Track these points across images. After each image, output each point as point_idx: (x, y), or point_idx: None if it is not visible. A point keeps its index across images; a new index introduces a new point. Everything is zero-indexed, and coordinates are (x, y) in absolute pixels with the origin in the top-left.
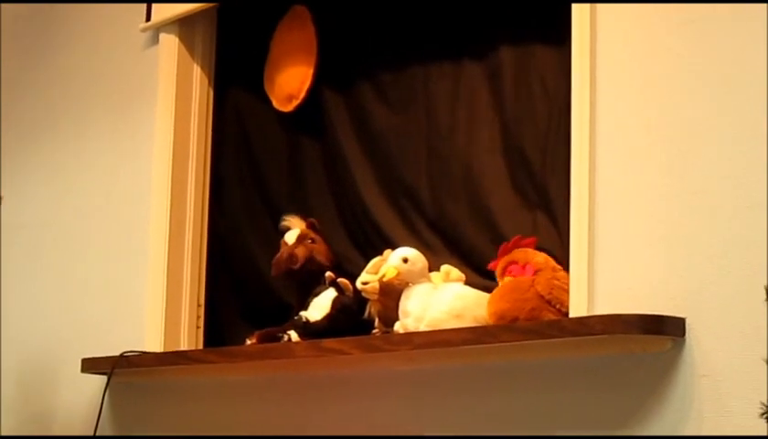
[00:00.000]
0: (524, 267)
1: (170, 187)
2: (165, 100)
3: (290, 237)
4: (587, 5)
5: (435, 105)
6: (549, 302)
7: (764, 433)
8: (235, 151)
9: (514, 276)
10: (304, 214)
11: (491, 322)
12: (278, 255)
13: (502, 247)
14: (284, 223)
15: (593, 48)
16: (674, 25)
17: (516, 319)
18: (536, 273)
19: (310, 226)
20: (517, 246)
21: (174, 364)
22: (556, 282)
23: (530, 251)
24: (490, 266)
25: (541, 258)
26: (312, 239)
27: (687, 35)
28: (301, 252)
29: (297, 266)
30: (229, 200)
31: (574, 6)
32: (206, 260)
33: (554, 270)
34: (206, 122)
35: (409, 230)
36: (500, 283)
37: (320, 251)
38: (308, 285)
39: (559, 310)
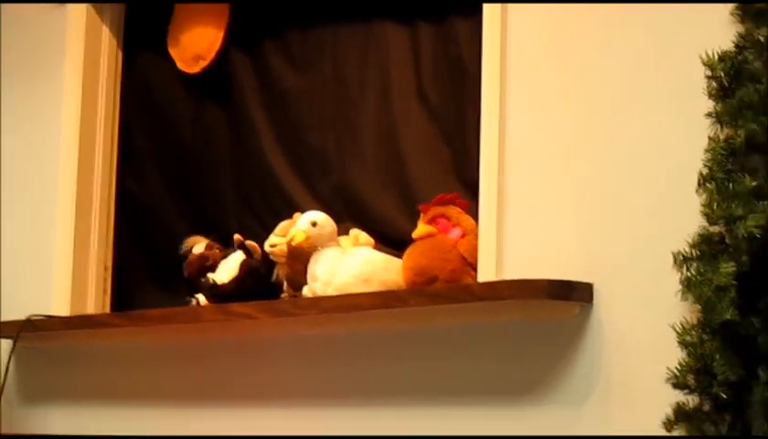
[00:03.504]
0: (453, 226)
1: (78, 150)
2: (74, 62)
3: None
4: None
5: (344, 67)
6: (471, 265)
7: (670, 399)
8: (143, 113)
9: (439, 230)
10: (210, 175)
11: (406, 277)
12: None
13: (438, 197)
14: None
15: (505, 17)
16: None
17: (435, 278)
18: (463, 236)
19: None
20: (453, 202)
21: (80, 328)
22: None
23: (464, 213)
24: (421, 206)
25: (471, 223)
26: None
27: (600, 6)
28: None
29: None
30: (140, 163)
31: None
32: (113, 223)
33: (477, 236)
34: (114, 83)
35: (313, 195)
36: (420, 230)
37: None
38: None
39: None
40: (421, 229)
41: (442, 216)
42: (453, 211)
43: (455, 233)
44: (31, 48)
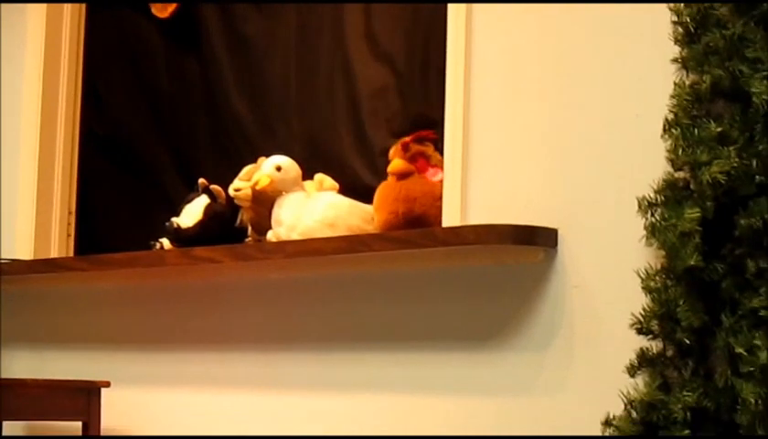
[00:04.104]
0: (432, 166)
1: (41, 94)
2: (36, 6)
3: None
4: None
5: (307, 12)
6: None
7: (633, 345)
8: (110, 58)
9: (418, 169)
10: (178, 119)
11: (390, 221)
12: None
13: (418, 133)
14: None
15: None
16: None
17: (428, 225)
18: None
19: None
20: (429, 138)
21: (44, 272)
22: None
23: (436, 152)
24: (401, 142)
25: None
26: None
27: None
28: None
29: None
30: (106, 107)
31: None
32: (77, 169)
33: None
34: (78, 28)
35: (274, 139)
36: (399, 166)
37: None
38: None
39: None
40: (400, 164)
41: (422, 155)
42: (430, 149)
43: (432, 173)
44: None
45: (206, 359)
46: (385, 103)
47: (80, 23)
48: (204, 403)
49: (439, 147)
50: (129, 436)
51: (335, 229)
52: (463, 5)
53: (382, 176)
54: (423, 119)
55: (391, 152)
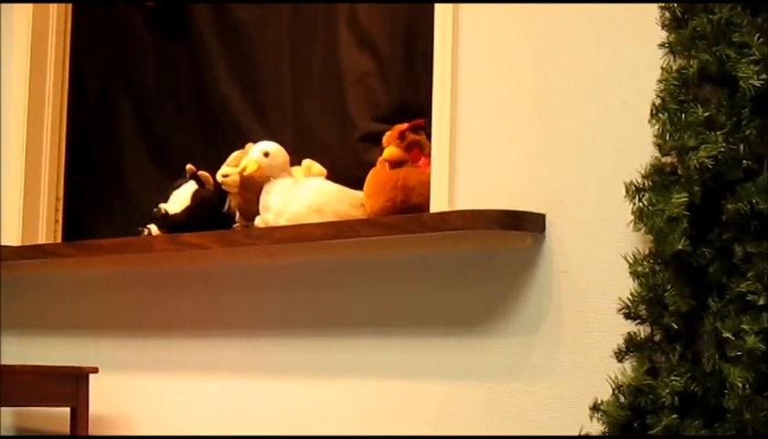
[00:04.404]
0: (425, 156)
1: (28, 83)
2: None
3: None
4: None
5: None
6: None
7: (621, 330)
8: (96, 45)
9: (412, 158)
10: (164, 106)
11: (387, 207)
12: None
13: (414, 122)
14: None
15: None
16: None
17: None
18: None
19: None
20: (422, 126)
21: (31, 258)
22: None
23: (429, 142)
24: (398, 129)
25: None
26: None
27: None
28: None
29: None
30: (92, 94)
31: None
32: (65, 155)
33: None
34: (65, 15)
35: (265, 127)
36: (394, 153)
37: None
38: None
39: None
40: (396, 152)
41: (417, 144)
42: (424, 139)
43: (425, 163)
44: None
45: (194, 345)
46: (369, 89)
47: (66, 13)
48: (192, 389)
49: (426, 134)
50: (116, 437)
51: (322, 214)
52: None
53: (363, 161)
54: (407, 105)
55: (385, 139)
